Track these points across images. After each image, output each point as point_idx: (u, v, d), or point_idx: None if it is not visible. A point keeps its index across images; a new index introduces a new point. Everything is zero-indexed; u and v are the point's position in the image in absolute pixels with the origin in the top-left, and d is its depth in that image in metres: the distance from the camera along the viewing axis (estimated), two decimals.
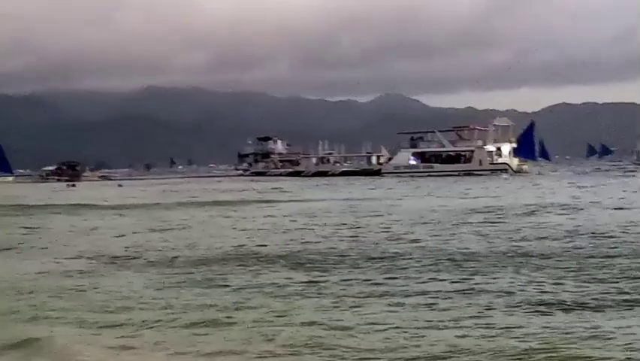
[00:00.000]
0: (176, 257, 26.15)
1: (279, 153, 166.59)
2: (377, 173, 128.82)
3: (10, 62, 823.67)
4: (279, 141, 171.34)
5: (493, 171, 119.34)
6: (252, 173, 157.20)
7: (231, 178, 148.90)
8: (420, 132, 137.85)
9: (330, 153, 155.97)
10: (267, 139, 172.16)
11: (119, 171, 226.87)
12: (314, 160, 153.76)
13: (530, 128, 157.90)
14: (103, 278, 22.05)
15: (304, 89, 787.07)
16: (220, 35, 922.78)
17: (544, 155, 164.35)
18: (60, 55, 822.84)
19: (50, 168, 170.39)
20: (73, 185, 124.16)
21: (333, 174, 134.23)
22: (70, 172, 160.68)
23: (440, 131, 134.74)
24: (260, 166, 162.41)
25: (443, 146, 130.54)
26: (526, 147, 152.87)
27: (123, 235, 35.13)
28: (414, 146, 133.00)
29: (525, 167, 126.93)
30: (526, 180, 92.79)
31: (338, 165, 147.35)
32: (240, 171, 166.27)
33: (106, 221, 45.26)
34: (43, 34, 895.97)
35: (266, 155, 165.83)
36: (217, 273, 22.21)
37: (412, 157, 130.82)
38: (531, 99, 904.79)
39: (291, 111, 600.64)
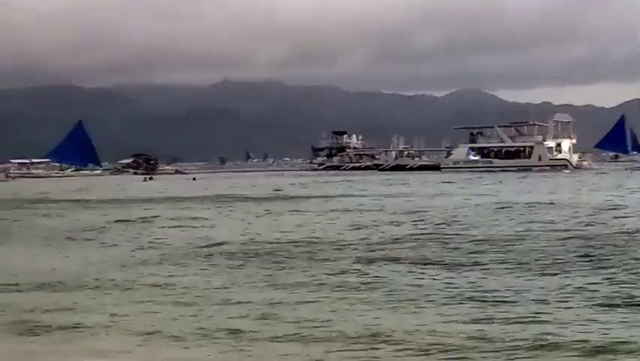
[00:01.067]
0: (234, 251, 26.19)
1: (354, 147, 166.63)
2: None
3: (88, 55, 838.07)
4: (354, 135, 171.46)
5: (552, 166, 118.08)
6: (327, 167, 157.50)
7: (305, 172, 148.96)
8: (479, 127, 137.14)
9: (406, 148, 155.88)
10: (342, 133, 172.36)
11: (194, 165, 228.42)
12: (393, 154, 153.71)
13: (621, 122, 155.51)
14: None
15: (380, 83, 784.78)
16: (297, 29, 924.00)
17: (637, 148, 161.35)
18: (138, 48, 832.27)
19: (126, 161, 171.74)
20: (151, 178, 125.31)
21: (412, 168, 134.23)
22: (146, 165, 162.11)
23: (499, 126, 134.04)
24: (335, 160, 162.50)
25: (502, 141, 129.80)
26: (618, 141, 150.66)
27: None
28: (473, 141, 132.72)
29: (585, 163, 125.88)
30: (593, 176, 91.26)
31: (417, 159, 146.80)
32: (315, 165, 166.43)
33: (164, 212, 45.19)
34: (121, 28, 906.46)
35: (341, 149, 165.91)
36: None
37: (471, 152, 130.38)
38: (609, 94, 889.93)
39: (365, 105, 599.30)
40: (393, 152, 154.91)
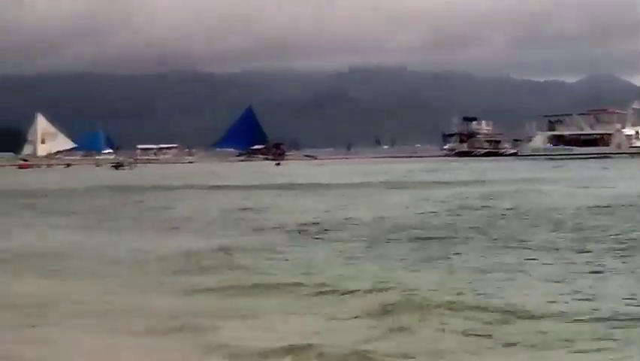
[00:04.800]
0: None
1: (484, 134, 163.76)
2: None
3: (219, 41, 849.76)
4: (484, 122, 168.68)
5: (631, 154, 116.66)
6: (457, 153, 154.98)
7: (435, 158, 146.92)
8: (558, 115, 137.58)
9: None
10: (472, 119, 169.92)
11: (322, 151, 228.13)
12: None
13: None
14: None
15: (512, 69, 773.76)
16: (433, 15, 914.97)
17: None
18: (271, 35, 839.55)
19: (258, 147, 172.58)
20: (278, 164, 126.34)
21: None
22: (275, 151, 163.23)
23: (578, 114, 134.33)
24: (464, 146, 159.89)
25: (581, 129, 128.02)
26: None
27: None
28: (552, 129, 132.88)
29: None
30: None
31: None
32: (445, 151, 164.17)
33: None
34: (252, 15, 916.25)
35: (471, 135, 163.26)
36: None
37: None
38: None
39: (496, 92, 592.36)
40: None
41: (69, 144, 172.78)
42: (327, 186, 58.64)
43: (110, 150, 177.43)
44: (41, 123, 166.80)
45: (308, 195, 50.17)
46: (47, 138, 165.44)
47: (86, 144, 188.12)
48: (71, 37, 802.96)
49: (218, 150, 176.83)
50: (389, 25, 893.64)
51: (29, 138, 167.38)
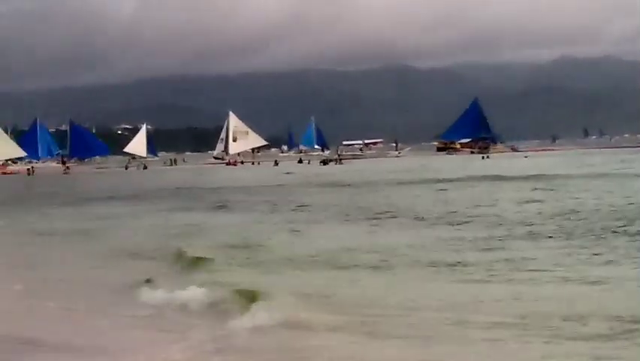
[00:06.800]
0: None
1: None
2: None
3: (431, 36, 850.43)
4: None
5: None
6: None
7: None
8: None
9: None
10: None
11: (526, 143, 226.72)
12: None
13: None
14: None
15: None
16: None
17: None
18: (481, 27, 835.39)
19: (464, 140, 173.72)
20: (487, 157, 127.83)
21: None
22: (480, 144, 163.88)
23: None
24: None
25: None
26: None
27: None
28: None
29: None
30: None
31: None
32: None
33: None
34: (466, 8, 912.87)
35: None
36: None
37: None
38: None
39: None
40: None
41: (260, 142, 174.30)
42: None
43: (318, 146, 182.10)
44: (233, 121, 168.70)
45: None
46: (239, 136, 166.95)
47: (301, 141, 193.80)
48: (279, 35, 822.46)
49: (423, 143, 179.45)
50: (605, 14, 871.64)
51: (221, 137, 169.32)
